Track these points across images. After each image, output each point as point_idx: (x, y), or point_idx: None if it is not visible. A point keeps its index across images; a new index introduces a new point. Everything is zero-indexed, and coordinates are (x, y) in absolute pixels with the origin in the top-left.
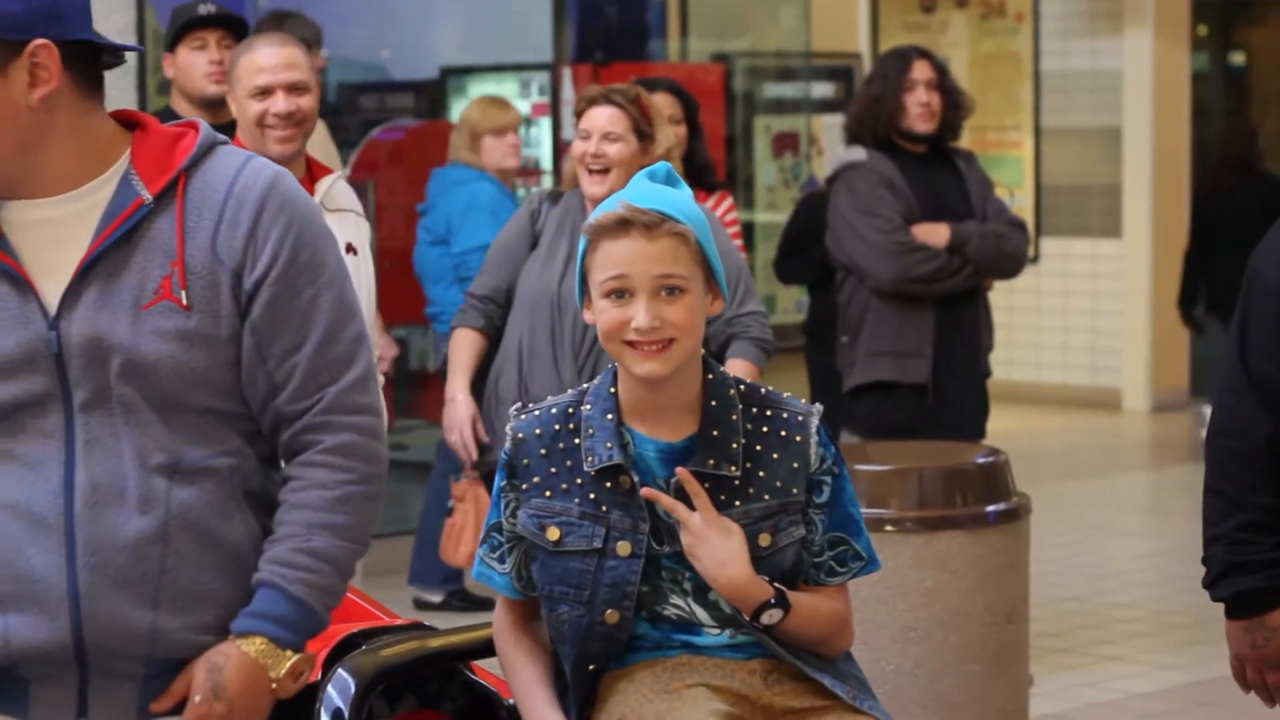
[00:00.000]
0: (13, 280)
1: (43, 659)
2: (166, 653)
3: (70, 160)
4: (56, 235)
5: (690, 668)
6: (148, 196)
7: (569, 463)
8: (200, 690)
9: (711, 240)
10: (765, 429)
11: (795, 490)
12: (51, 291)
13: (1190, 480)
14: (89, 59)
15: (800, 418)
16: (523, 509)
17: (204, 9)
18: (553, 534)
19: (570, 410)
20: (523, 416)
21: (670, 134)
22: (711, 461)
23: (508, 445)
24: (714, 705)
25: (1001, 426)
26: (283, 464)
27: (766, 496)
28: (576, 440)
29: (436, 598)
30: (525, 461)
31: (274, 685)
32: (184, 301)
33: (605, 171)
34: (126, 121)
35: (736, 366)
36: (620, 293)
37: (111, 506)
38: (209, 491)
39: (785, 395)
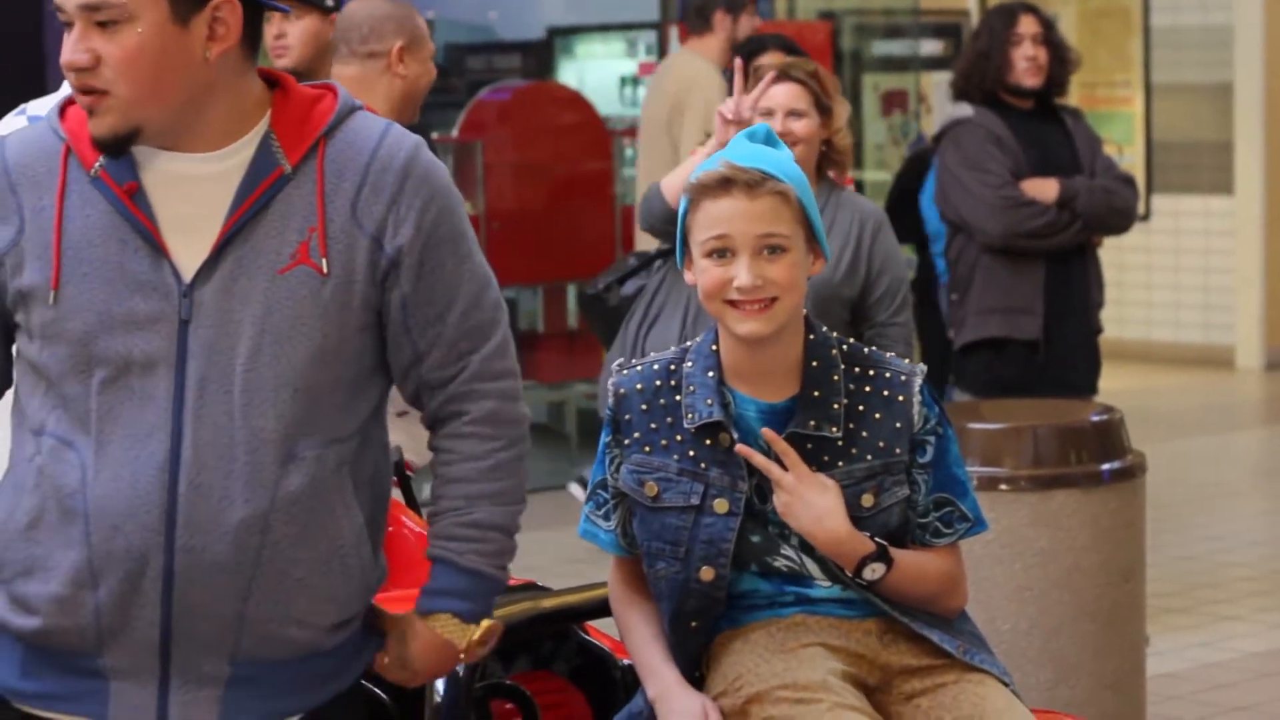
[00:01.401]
0: (145, 238)
1: (130, 644)
2: (250, 647)
3: (224, 119)
4: (195, 194)
5: (805, 627)
6: (288, 166)
7: (669, 419)
8: (390, 654)
9: (813, 199)
10: (868, 389)
11: (899, 450)
12: (185, 254)
13: None
14: (257, 17)
15: (903, 377)
16: (625, 464)
17: None
18: (651, 489)
19: (672, 367)
20: (624, 372)
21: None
22: (813, 422)
23: (610, 401)
24: (831, 664)
25: (1113, 385)
26: (429, 432)
27: (869, 457)
28: (677, 397)
29: None
30: (627, 417)
31: (463, 655)
32: (322, 268)
33: (791, 148)
34: (267, 79)
35: None
36: (722, 251)
37: (216, 489)
38: (319, 482)
39: (889, 355)
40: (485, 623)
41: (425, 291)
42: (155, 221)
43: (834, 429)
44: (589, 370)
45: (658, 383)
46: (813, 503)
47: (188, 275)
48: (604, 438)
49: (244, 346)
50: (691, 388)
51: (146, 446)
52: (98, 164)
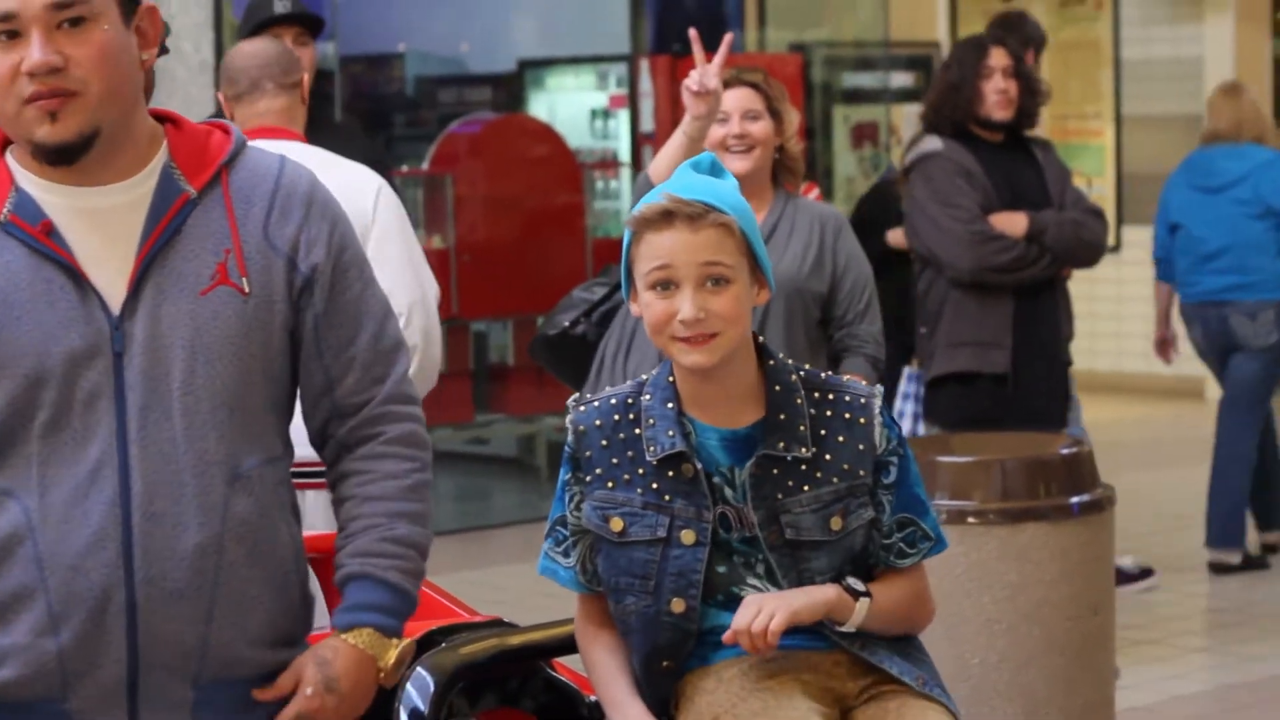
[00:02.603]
0: (70, 274)
1: (96, 683)
2: (214, 669)
3: (132, 144)
4: (106, 227)
5: (777, 662)
6: (192, 190)
7: (630, 453)
8: (312, 683)
9: (756, 230)
10: (829, 412)
11: (862, 472)
12: (108, 287)
13: None
14: None
15: (863, 400)
16: (586, 501)
17: (279, 6)
18: (616, 525)
19: (630, 400)
20: (581, 408)
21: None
22: (782, 444)
23: (570, 438)
24: (810, 702)
25: (1085, 416)
26: (331, 459)
27: (835, 479)
28: (637, 430)
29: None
30: (588, 453)
31: (382, 674)
32: (243, 287)
33: (749, 151)
34: (156, 117)
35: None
36: (665, 284)
37: (170, 516)
38: (262, 500)
39: (845, 379)
40: (402, 642)
41: (337, 313)
42: (75, 257)
43: (804, 449)
44: (559, 403)
45: (616, 417)
46: (785, 594)
47: (115, 307)
48: (563, 474)
49: (178, 371)
50: (651, 420)
51: (95, 483)
52: (6, 209)
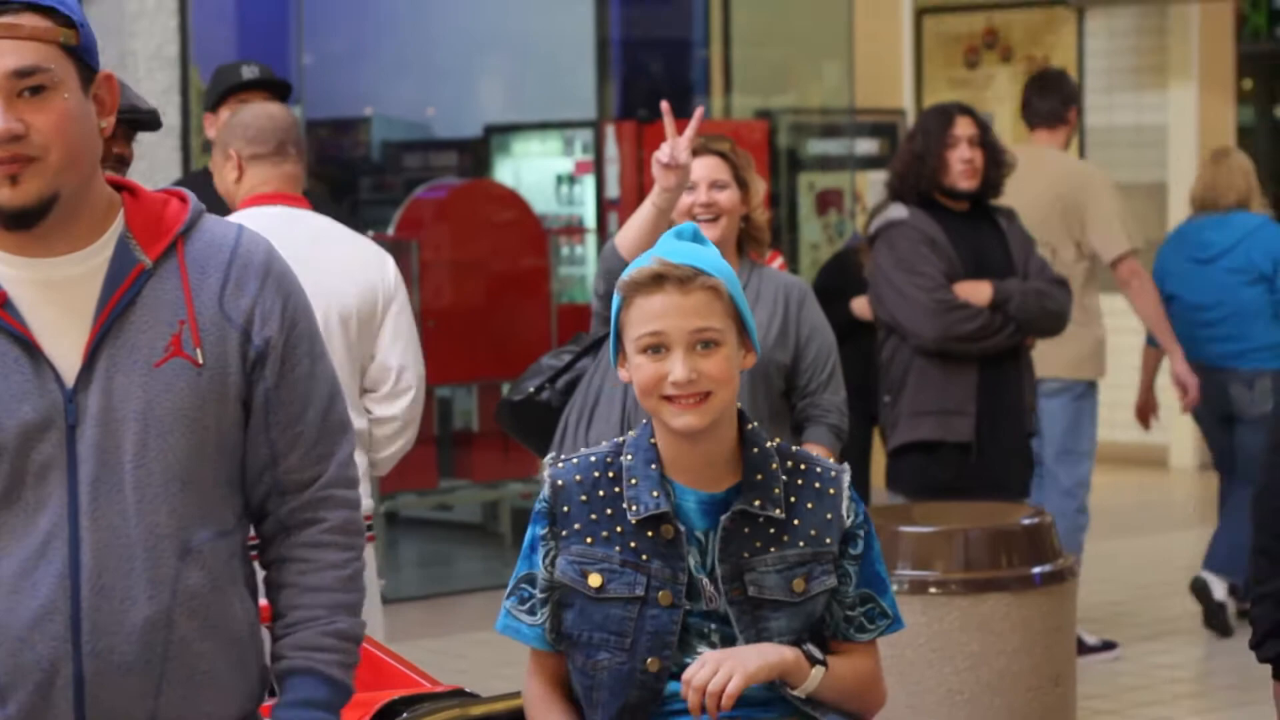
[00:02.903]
0: (24, 347)
1: None
2: None
3: (89, 213)
4: (61, 298)
5: None
6: (147, 261)
7: (609, 510)
8: None
9: (742, 294)
10: (800, 481)
11: (829, 540)
12: (62, 358)
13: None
14: None
15: (833, 474)
16: (562, 556)
17: (248, 71)
18: (595, 580)
19: (609, 460)
20: (560, 464)
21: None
22: (758, 502)
23: (545, 492)
24: None
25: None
26: (269, 535)
27: (801, 544)
28: (617, 489)
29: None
30: (565, 508)
31: None
32: (197, 358)
33: (715, 219)
34: (114, 185)
35: (811, 451)
36: (656, 347)
37: (118, 590)
38: (214, 573)
39: (814, 454)
40: None
41: (287, 388)
42: (30, 329)
43: (777, 510)
44: (523, 469)
45: (596, 474)
46: (739, 651)
47: (69, 379)
48: (537, 530)
49: (130, 444)
50: (633, 480)
51: (45, 555)
52: None
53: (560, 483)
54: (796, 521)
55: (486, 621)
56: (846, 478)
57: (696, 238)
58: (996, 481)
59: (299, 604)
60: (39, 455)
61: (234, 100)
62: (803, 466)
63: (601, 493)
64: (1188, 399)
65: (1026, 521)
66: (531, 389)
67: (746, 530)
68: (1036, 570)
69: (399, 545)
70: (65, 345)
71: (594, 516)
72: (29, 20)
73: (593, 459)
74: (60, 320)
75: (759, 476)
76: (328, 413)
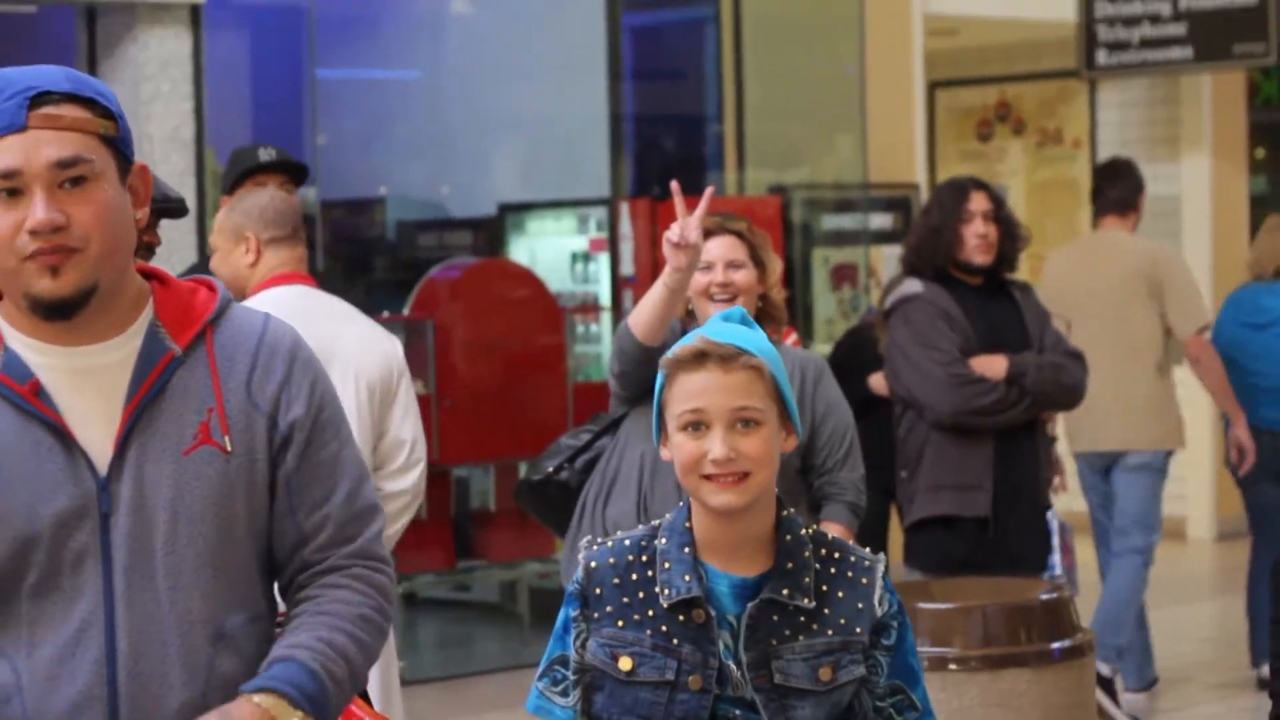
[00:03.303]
0: (57, 435)
1: None
2: None
3: (122, 303)
4: (92, 385)
5: None
6: (177, 349)
7: (641, 594)
8: None
9: (785, 376)
10: (833, 570)
11: (859, 630)
12: (94, 447)
13: None
14: None
15: (867, 563)
16: (593, 638)
17: (265, 154)
18: (625, 664)
19: (644, 543)
20: (596, 547)
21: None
22: (786, 591)
23: (579, 574)
24: None
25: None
26: (291, 602)
27: (830, 632)
28: (650, 573)
29: None
30: (598, 590)
31: None
32: (225, 446)
33: (732, 299)
34: (142, 274)
35: (829, 529)
36: (697, 425)
37: (155, 677)
38: (247, 658)
39: (851, 543)
40: (307, 718)
41: (309, 471)
42: (63, 418)
43: (806, 600)
44: (541, 549)
45: (630, 558)
46: None
47: (102, 467)
48: (569, 611)
49: (161, 532)
50: (666, 564)
51: (81, 642)
52: None
53: (594, 565)
54: (827, 610)
55: (505, 701)
56: (881, 568)
57: (744, 321)
58: (1013, 556)
59: (300, 621)
60: (74, 544)
61: (251, 183)
62: (837, 555)
63: (635, 576)
64: (1247, 463)
65: (1045, 597)
66: (550, 469)
67: (775, 618)
68: (1055, 646)
69: (417, 626)
70: (97, 433)
71: (626, 600)
72: (70, 111)
73: (627, 542)
74: (91, 408)
75: (790, 564)
76: (355, 496)
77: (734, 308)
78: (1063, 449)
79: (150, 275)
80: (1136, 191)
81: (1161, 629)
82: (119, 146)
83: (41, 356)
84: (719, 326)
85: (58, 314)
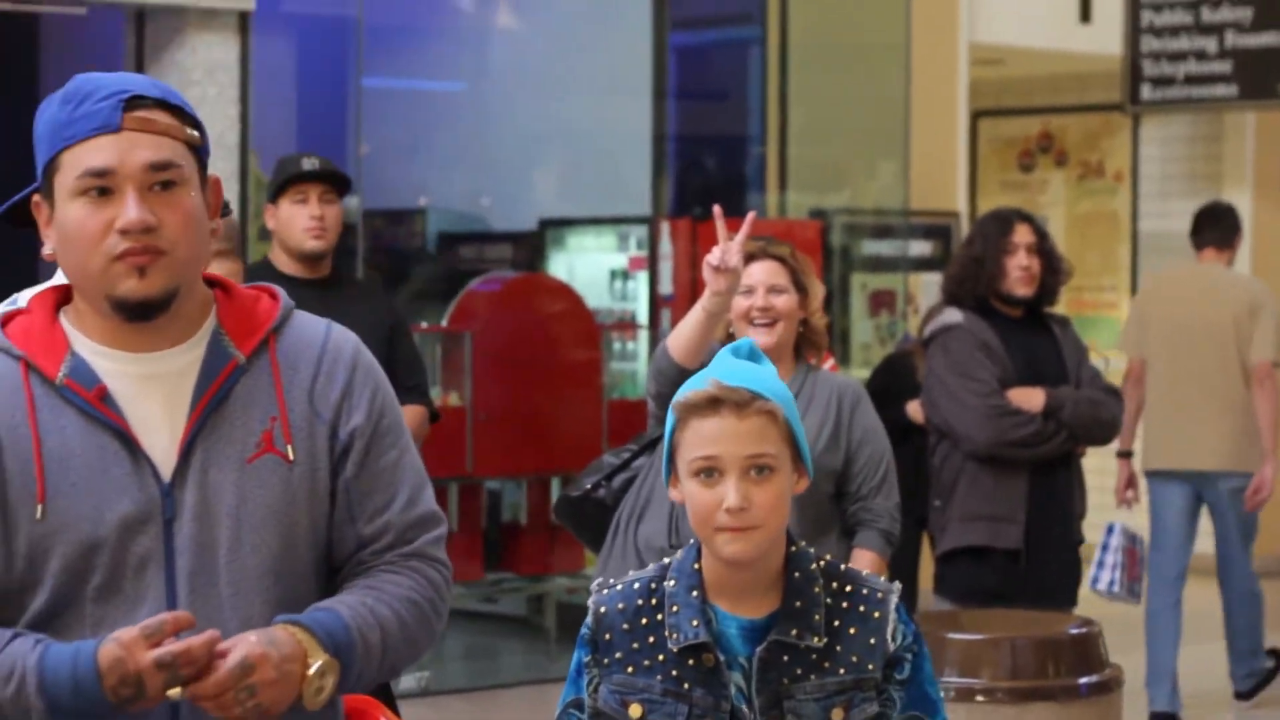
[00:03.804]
0: (123, 440)
1: None
2: None
3: (189, 310)
4: (157, 393)
5: None
6: (241, 357)
7: (651, 639)
8: (252, 640)
9: (798, 417)
10: (845, 604)
11: (871, 667)
12: (159, 452)
13: None
14: None
15: (880, 595)
16: (604, 684)
17: (308, 163)
18: (635, 711)
19: (653, 585)
20: (604, 591)
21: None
22: (794, 632)
23: (589, 619)
24: None
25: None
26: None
27: (842, 671)
28: (659, 616)
29: None
30: (608, 636)
31: (303, 684)
32: (288, 454)
33: (773, 324)
34: (206, 282)
35: (862, 558)
36: (710, 471)
37: None
38: None
39: (864, 573)
40: (333, 661)
41: (369, 479)
42: (128, 423)
43: (816, 639)
44: (570, 563)
45: (639, 602)
46: None
47: (166, 474)
48: (581, 656)
49: (224, 539)
50: (675, 607)
51: None
52: (62, 373)
53: (603, 610)
54: (838, 648)
55: (530, 715)
56: (894, 599)
57: (753, 355)
58: (1044, 589)
59: (348, 589)
60: (138, 548)
61: (294, 191)
62: (848, 589)
63: (644, 620)
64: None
65: (1073, 631)
66: (589, 485)
67: (785, 658)
68: (1083, 680)
69: (444, 637)
70: (161, 439)
71: (635, 645)
72: (161, 117)
73: (636, 585)
74: (156, 414)
75: (799, 603)
76: (415, 502)
77: (742, 340)
78: (1137, 466)
79: (213, 283)
80: (1235, 232)
81: (1194, 667)
82: (201, 156)
83: (108, 362)
84: (729, 365)
85: (140, 315)
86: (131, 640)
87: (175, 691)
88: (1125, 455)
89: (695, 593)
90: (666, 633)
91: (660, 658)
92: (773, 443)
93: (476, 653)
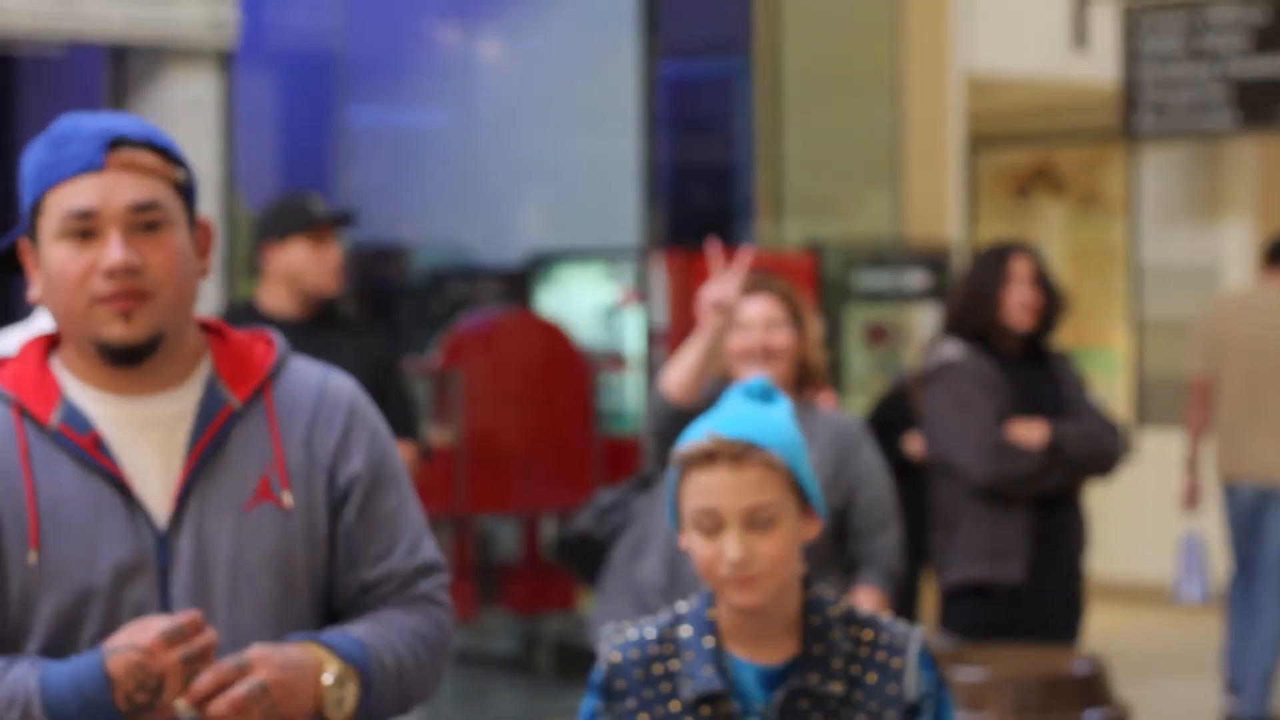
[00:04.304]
0: (116, 487)
1: None
2: None
3: (181, 354)
4: (152, 439)
5: None
6: (236, 403)
7: (664, 687)
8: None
9: (805, 462)
10: (864, 651)
11: (892, 715)
12: (154, 501)
13: None
14: None
15: (900, 641)
16: None
17: (320, 205)
18: None
19: (666, 633)
20: (618, 639)
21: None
22: (815, 678)
23: (602, 666)
24: None
25: (1100, 624)
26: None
27: (862, 718)
28: (673, 664)
29: None
30: (621, 684)
31: (325, 680)
32: (285, 501)
33: (770, 360)
34: (200, 326)
35: (865, 596)
36: (711, 524)
37: None
38: None
39: (885, 618)
40: (350, 669)
41: (369, 526)
42: (122, 470)
43: (835, 685)
44: (563, 601)
45: (653, 649)
46: None
47: (161, 522)
48: (591, 704)
49: (221, 587)
50: (689, 654)
51: None
52: (56, 418)
53: (617, 658)
54: (858, 695)
55: None
56: (916, 646)
57: (766, 395)
58: (1048, 624)
59: (351, 622)
60: (133, 596)
61: (309, 231)
62: (868, 635)
63: (658, 669)
64: None
65: (1081, 666)
66: (587, 523)
67: (804, 704)
68: (1089, 715)
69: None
70: (155, 486)
71: (649, 694)
72: (146, 157)
73: (650, 632)
74: (151, 461)
75: (818, 649)
76: (416, 550)
77: (756, 380)
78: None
79: (207, 327)
80: None
81: (1202, 699)
82: (189, 197)
83: (101, 407)
84: (732, 412)
85: (125, 360)
86: (153, 644)
87: (182, 706)
88: (1189, 465)
89: (709, 640)
90: (680, 681)
91: (674, 707)
92: (773, 492)
93: (469, 693)
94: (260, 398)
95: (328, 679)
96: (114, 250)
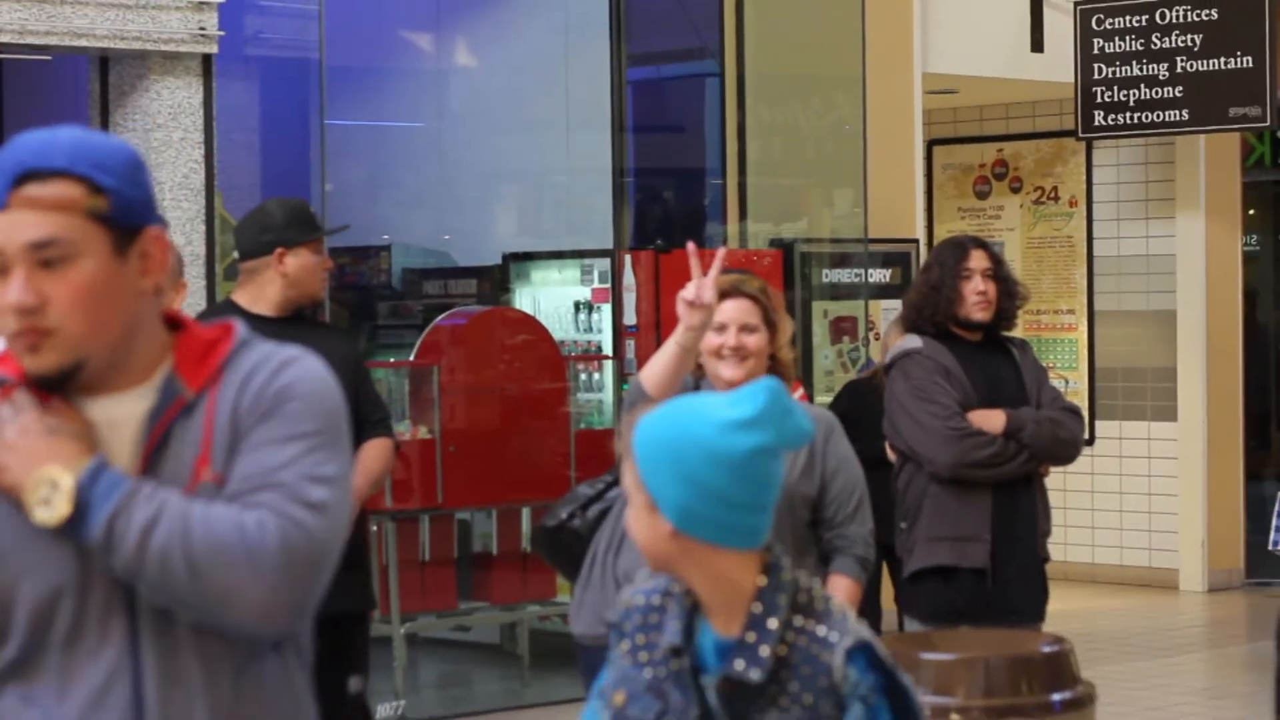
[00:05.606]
0: None
1: None
2: None
3: (135, 362)
4: (113, 437)
5: None
6: (189, 395)
7: (651, 635)
8: None
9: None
10: (803, 642)
11: (824, 709)
12: None
13: (1248, 661)
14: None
15: (835, 636)
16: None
17: (317, 220)
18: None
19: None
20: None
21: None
22: (740, 664)
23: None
24: None
25: (1058, 608)
26: None
27: (797, 709)
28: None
29: None
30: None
31: (43, 471)
32: (218, 476)
33: (743, 361)
34: (172, 321)
35: (838, 585)
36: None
37: (180, 715)
38: (270, 692)
39: (835, 613)
40: (71, 491)
41: (252, 449)
42: None
43: (757, 674)
44: (542, 591)
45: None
46: None
47: None
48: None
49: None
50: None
51: (110, 691)
52: None
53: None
54: (793, 685)
55: None
56: (845, 643)
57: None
58: (1012, 607)
59: None
60: (99, 593)
61: (312, 240)
62: (808, 627)
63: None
64: None
65: (1046, 648)
66: (564, 515)
67: (743, 689)
68: (1056, 697)
69: (419, 666)
70: None
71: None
72: (55, 190)
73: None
74: (112, 458)
75: (751, 636)
76: (283, 469)
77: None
78: None
79: (180, 324)
80: None
81: (1154, 680)
82: (113, 220)
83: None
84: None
85: (49, 387)
86: None
87: None
88: None
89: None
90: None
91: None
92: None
93: (451, 681)
94: (209, 389)
95: (39, 476)
96: (11, 291)
